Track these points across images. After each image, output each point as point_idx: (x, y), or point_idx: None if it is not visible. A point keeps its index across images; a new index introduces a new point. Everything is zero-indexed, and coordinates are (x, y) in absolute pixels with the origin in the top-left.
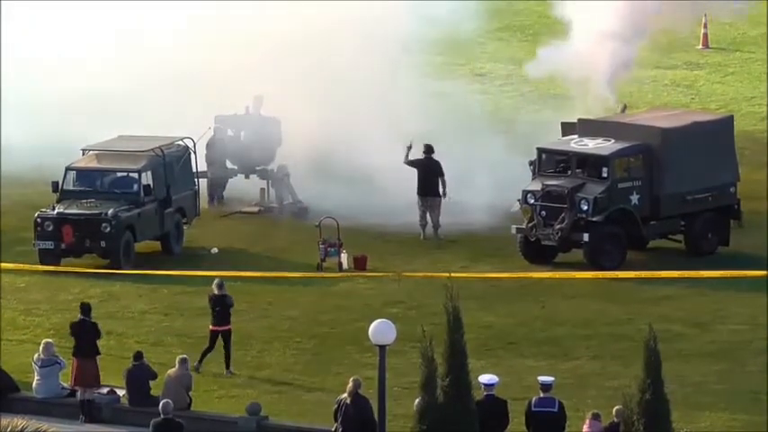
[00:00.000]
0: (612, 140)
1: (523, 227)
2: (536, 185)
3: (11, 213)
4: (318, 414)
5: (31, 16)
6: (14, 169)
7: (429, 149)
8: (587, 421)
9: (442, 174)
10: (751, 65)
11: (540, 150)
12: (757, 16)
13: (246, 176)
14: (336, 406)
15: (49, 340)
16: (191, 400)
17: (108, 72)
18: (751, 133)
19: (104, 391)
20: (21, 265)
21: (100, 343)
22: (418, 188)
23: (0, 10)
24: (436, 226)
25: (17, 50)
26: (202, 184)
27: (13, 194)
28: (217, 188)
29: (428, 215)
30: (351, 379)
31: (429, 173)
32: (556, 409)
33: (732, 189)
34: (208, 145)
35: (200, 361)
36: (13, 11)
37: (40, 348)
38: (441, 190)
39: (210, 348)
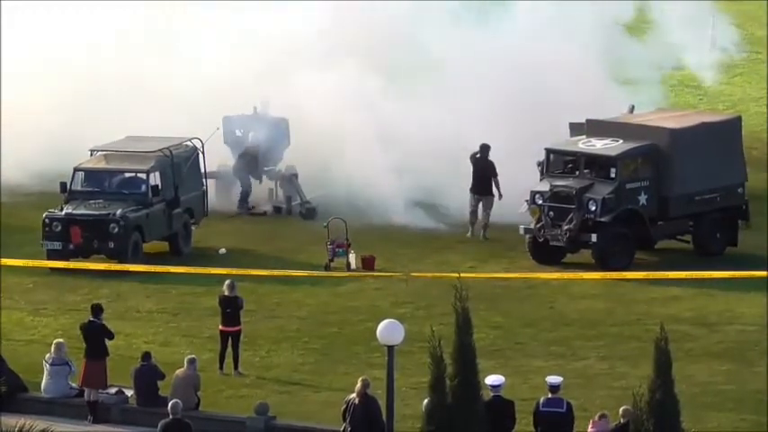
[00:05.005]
0: (620, 141)
1: (532, 227)
2: (544, 186)
3: (15, 214)
4: (326, 414)
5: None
6: (17, 169)
7: (484, 150)
8: (595, 422)
9: (495, 174)
10: (758, 66)
11: (548, 151)
12: (764, 17)
13: (254, 177)
14: (345, 406)
15: (61, 340)
16: (199, 400)
17: (109, 73)
18: (758, 134)
19: (113, 391)
20: (26, 261)
21: (108, 343)
22: (472, 186)
23: (0, 10)
24: (486, 225)
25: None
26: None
27: (17, 195)
28: (247, 190)
29: (479, 213)
30: (359, 379)
31: (483, 172)
32: (564, 410)
33: (740, 189)
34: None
35: (221, 365)
36: (12, 12)
37: (52, 348)
38: (495, 190)
39: (225, 349)
